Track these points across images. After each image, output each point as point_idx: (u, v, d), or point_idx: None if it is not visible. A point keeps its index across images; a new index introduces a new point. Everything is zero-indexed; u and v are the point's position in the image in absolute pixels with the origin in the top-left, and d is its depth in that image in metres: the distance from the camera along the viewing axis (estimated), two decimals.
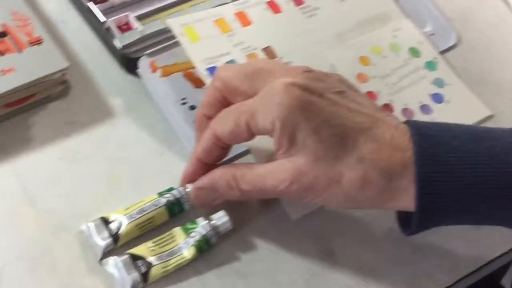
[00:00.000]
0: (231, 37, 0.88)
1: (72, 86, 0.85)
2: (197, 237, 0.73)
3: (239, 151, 0.82)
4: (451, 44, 0.96)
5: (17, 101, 0.80)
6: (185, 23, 0.86)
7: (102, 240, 0.72)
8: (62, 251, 0.72)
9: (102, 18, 0.88)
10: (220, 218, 0.74)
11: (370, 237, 0.78)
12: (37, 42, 0.81)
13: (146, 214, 0.74)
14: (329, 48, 0.91)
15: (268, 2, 0.92)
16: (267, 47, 0.88)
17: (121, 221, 0.73)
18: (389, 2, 0.97)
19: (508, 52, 0.98)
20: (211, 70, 0.84)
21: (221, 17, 0.89)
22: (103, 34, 0.88)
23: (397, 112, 0.88)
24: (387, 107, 0.88)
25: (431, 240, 0.78)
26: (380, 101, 0.88)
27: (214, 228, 0.74)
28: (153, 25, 0.90)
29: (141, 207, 0.74)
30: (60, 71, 0.80)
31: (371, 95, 0.88)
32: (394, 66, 0.91)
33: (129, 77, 0.87)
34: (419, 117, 0.88)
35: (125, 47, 0.87)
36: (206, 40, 0.86)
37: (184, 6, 0.94)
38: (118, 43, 0.87)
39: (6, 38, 0.81)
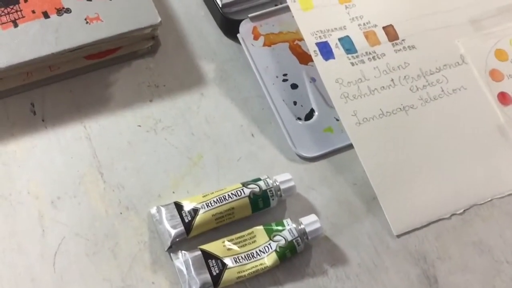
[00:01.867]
0: (349, 8, 0.76)
1: (161, 43, 0.75)
2: (282, 242, 0.63)
3: (342, 144, 0.71)
4: None
5: (99, 54, 0.71)
6: None
7: (172, 228, 0.63)
8: (127, 234, 0.63)
9: None
10: (312, 223, 0.64)
11: (482, 267, 0.66)
12: None
13: (226, 203, 0.64)
14: (461, 35, 0.77)
15: None
16: (389, 25, 0.76)
17: (197, 208, 0.63)
18: None
19: None
20: (321, 46, 0.72)
21: None
22: None
23: None
24: None
25: None
26: None
27: (303, 234, 0.63)
28: None
29: (221, 195, 0.64)
30: (150, 26, 0.70)
31: (504, 97, 0.75)
32: None
33: (227, 41, 0.76)
34: None
35: (227, 5, 0.76)
36: (320, 9, 0.74)
37: None
38: (219, 0, 0.76)
39: None
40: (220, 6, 0.76)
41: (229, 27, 0.76)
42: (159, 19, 0.70)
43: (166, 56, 0.74)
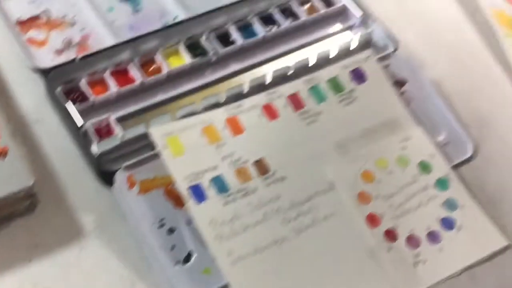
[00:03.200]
0: (220, 147, 0.79)
1: (40, 200, 0.77)
2: None
3: (220, 284, 0.73)
4: (466, 156, 0.87)
5: None
6: (169, 133, 0.78)
7: None
8: None
9: (79, 121, 0.80)
10: None
11: None
12: (1, 154, 0.73)
13: None
14: (328, 162, 0.82)
15: (264, 106, 0.83)
16: (260, 159, 0.80)
17: None
18: (399, 107, 0.87)
19: None
20: (194, 189, 0.75)
21: (210, 123, 0.80)
22: (80, 138, 0.80)
23: (401, 240, 0.78)
24: (390, 234, 0.78)
25: None
26: (383, 226, 0.79)
27: None
28: (136, 130, 0.81)
29: None
30: (23, 189, 0.72)
31: (372, 218, 0.79)
32: (401, 183, 0.82)
33: (104, 191, 0.79)
34: (426, 246, 0.78)
35: (103, 154, 0.79)
36: (191, 152, 0.78)
37: (171, 106, 0.85)
38: (95, 150, 0.79)
39: None
40: (96, 156, 0.78)
41: (105, 177, 0.78)
42: (32, 182, 0.72)
43: (45, 212, 0.76)
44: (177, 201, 0.78)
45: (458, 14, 1.02)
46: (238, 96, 0.86)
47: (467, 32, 1.00)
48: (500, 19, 1.01)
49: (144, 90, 0.86)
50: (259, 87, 0.87)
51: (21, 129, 0.81)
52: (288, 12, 0.96)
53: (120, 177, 0.77)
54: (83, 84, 0.83)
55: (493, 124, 0.91)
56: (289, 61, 0.91)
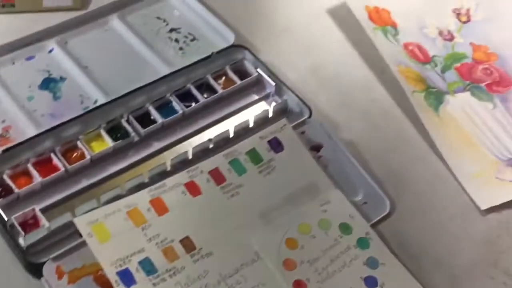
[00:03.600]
0: (146, 229, 0.81)
1: None
2: None
3: None
4: (384, 213, 0.90)
5: None
6: (94, 220, 0.80)
7: None
8: None
9: (4, 216, 0.81)
10: None
11: None
12: None
13: None
14: (253, 232, 0.84)
15: (186, 184, 0.86)
16: (185, 237, 0.82)
17: None
18: (317, 171, 0.91)
19: (446, 218, 0.92)
20: (122, 274, 0.77)
21: (134, 207, 0.83)
22: (7, 233, 0.81)
23: None
24: None
25: None
26: None
27: None
28: (62, 219, 0.83)
29: None
30: None
31: (299, 284, 0.82)
32: (324, 247, 0.85)
33: (36, 282, 0.80)
34: None
35: (31, 246, 0.80)
36: (117, 237, 0.80)
37: (96, 191, 0.87)
38: (22, 243, 0.80)
39: None
40: (23, 249, 0.80)
41: (34, 270, 0.79)
42: None
43: None
44: (107, 287, 0.79)
45: (367, 75, 1.07)
46: (162, 175, 0.88)
47: (378, 91, 1.05)
48: (406, 76, 1.06)
49: (69, 177, 0.88)
50: (182, 163, 0.90)
51: None
52: (204, 87, 0.99)
53: (48, 269, 0.79)
54: (6, 177, 0.85)
55: (407, 180, 0.96)
56: (210, 135, 0.95)
